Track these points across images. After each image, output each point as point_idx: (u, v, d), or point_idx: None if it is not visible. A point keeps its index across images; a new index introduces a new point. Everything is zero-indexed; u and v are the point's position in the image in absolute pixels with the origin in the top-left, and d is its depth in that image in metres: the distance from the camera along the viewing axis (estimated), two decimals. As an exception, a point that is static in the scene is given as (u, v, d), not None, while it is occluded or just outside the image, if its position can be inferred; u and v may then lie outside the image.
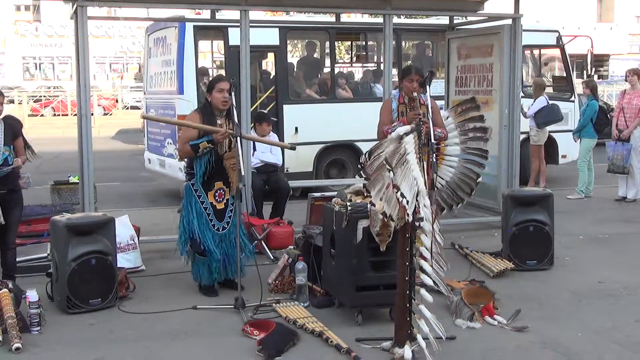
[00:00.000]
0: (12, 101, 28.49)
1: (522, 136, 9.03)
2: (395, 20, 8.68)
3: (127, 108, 31.24)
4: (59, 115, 28.58)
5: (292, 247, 6.67)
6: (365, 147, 5.71)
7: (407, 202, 4.24)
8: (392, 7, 7.96)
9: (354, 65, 13.75)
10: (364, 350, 4.56)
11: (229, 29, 9.74)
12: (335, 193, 6.01)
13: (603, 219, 8.87)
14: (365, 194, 4.72)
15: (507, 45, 8.13)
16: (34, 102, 30.32)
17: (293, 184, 8.55)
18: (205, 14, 9.68)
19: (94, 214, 6.20)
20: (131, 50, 46.43)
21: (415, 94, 5.53)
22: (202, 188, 5.67)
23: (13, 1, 47.55)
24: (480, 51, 8.68)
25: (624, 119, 9.88)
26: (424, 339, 4.37)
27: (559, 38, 12.11)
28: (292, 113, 10.36)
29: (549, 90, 11.85)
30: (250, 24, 7.29)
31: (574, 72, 13.94)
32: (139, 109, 24.28)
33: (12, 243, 5.80)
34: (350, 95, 11.23)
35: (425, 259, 4.40)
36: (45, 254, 6.40)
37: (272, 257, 6.86)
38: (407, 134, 4.40)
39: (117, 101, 31.87)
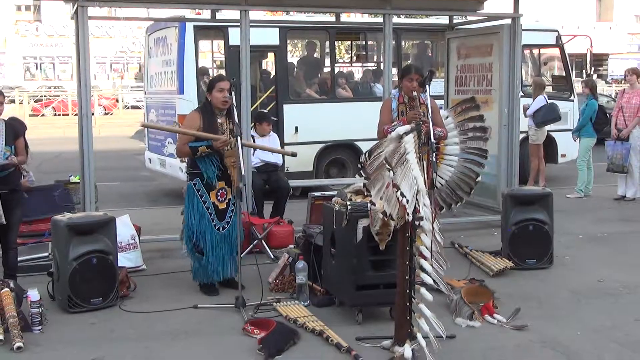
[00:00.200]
0: (12, 101, 28.48)
1: (522, 135, 9.03)
2: (395, 20, 8.68)
3: (128, 108, 31.26)
4: (59, 115, 28.57)
5: (292, 246, 6.67)
6: (365, 147, 5.72)
7: (407, 201, 4.24)
8: (391, 6, 7.96)
9: (353, 64, 13.75)
10: (364, 349, 4.56)
11: (229, 28, 9.74)
12: (336, 192, 6.01)
13: (602, 218, 8.88)
14: (365, 193, 4.72)
15: (507, 44, 8.13)
16: (34, 102, 30.34)
17: (293, 183, 8.55)
18: (206, 14, 9.68)
19: (95, 213, 6.21)
20: (132, 50, 46.45)
21: (415, 93, 5.53)
22: (204, 188, 5.67)
23: (14, 1, 47.55)
24: (480, 51, 8.68)
25: (623, 118, 9.89)
26: (424, 337, 4.37)
27: (558, 37, 12.11)
28: (292, 112, 10.36)
29: (549, 89, 11.85)
30: (251, 24, 7.30)
31: (574, 72, 13.94)
32: (140, 108, 24.28)
33: (13, 242, 5.81)
34: (350, 94, 11.23)
35: (425, 257, 4.41)
36: (47, 254, 6.41)
37: (272, 256, 6.86)
38: (406, 133, 4.40)
39: (117, 101, 31.89)
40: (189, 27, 9.83)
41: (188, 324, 5.13)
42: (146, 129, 11.45)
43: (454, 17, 9.47)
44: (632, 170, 9.87)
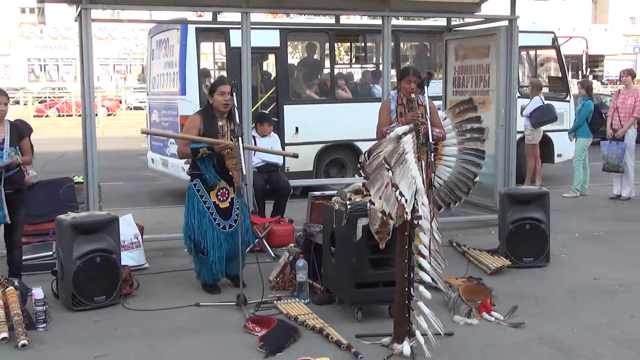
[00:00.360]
0: (17, 102, 28.48)
1: (518, 136, 9.04)
2: (394, 22, 8.69)
3: (131, 109, 31.23)
4: (63, 115, 28.57)
5: (292, 245, 6.66)
6: (364, 147, 5.71)
7: (406, 200, 4.24)
8: (390, 9, 7.96)
9: (353, 66, 13.74)
10: (364, 346, 4.55)
11: (231, 31, 9.75)
12: (335, 192, 6.01)
13: (598, 217, 8.88)
14: (365, 193, 4.72)
15: (504, 46, 8.13)
16: (39, 103, 30.34)
17: (293, 183, 8.55)
18: (207, 16, 9.69)
19: (99, 213, 6.20)
20: (134, 52, 46.44)
21: (413, 95, 5.53)
22: (204, 188, 5.67)
23: (18, 4, 47.51)
24: (478, 52, 8.68)
25: (618, 118, 9.89)
26: (422, 335, 4.38)
27: (554, 39, 12.11)
28: (292, 113, 10.36)
29: (545, 90, 11.85)
30: (251, 26, 7.30)
31: (569, 73, 13.95)
32: (142, 109, 24.26)
33: (18, 242, 5.81)
34: (350, 95, 11.23)
35: (423, 256, 4.41)
36: (51, 252, 6.41)
37: (273, 255, 6.86)
38: (405, 134, 4.41)
39: (120, 102, 31.84)
40: (191, 29, 9.83)
41: (190, 322, 5.13)
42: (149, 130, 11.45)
43: (452, 19, 9.48)
44: (627, 169, 9.87)
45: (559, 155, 11.89)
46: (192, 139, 5.59)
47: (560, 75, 12.56)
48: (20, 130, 5.73)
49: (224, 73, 11.36)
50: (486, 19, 8.97)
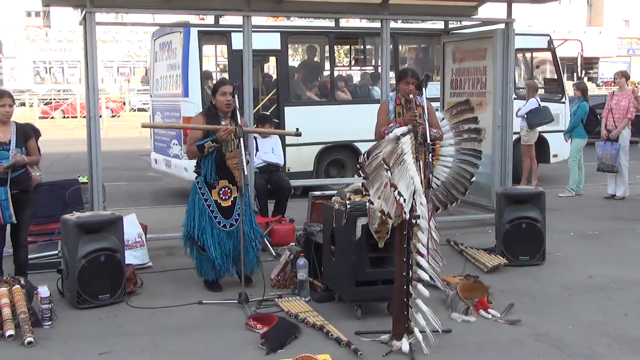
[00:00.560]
0: (23, 104, 28.51)
1: (514, 136, 9.04)
2: (392, 24, 8.68)
3: (134, 110, 31.25)
4: (68, 117, 28.56)
5: (293, 244, 6.66)
6: (363, 148, 5.70)
7: (404, 200, 4.24)
8: (389, 12, 7.96)
9: (352, 68, 13.72)
10: (363, 343, 4.56)
11: (232, 33, 9.75)
12: (335, 192, 6.01)
13: (593, 216, 8.87)
14: (364, 193, 4.72)
15: (500, 48, 8.13)
16: (44, 104, 30.37)
17: (294, 183, 8.54)
18: (209, 19, 9.68)
19: (103, 212, 6.21)
20: (138, 54, 46.44)
21: (411, 95, 5.53)
22: (206, 186, 5.67)
23: (24, 7, 47.55)
24: (475, 54, 8.68)
25: (612, 119, 9.89)
26: (420, 332, 4.38)
27: (550, 42, 12.10)
28: (293, 115, 10.35)
29: (541, 92, 11.85)
30: (253, 29, 7.30)
31: (565, 75, 13.94)
32: (146, 111, 24.29)
33: (24, 241, 5.80)
34: (349, 97, 11.22)
35: (421, 255, 4.41)
36: (56, 251, 6.41)
37: (274, 254, 6.86)
38: (404, 134, 4.41)
39: (124, 104, 31.88)
40: (194, 32, 9.83)
41: (193, 319, 5.13)
42: (150, 130, 11.47)
43: (450, 22, 9.47)
44: (622, 169, 9.87)
45: (555, 156, 11.89)
46: (193, 127, 5.57)
47: (555, 77, 12.55)
48: (26, 131, 5.72)
49: (226, 75, 11.35)
50: (483, 22, 8.96)
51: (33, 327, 4.68)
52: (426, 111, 5.16)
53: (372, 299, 5.14)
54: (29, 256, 6.00)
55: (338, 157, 10.85)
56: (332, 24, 10.73)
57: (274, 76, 11.54)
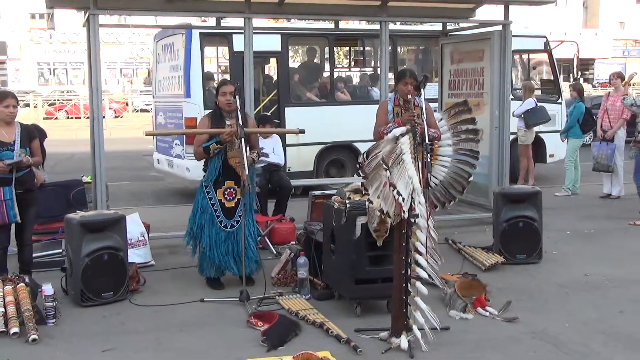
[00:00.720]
0: (27, 105, 28.48)
1: (511, 137, 9.03)
2: (391, 26, 8.68)
3: (137, 111, 31.24)
4: (72, 118, 28.55)
5: (294, 242, 6.67)
6: (363, 148, 5.72)
7: (403, 199, 4.24)
8: (388, 14, 7.96)
9: (352, 69, 13.74)
10: (363, 340, 4.56)
11: (234, 35, 9.75)
12: (335, 191, 6.01)
13: (589, 215, 8.87)
14: (363, 192, 4.72)
15: (497, 50, 8.12)
16: (48, 105, 30.35)
17: (295, 182, 8.54)
18: (211, 21, 9.68)
19: (106, 211, 6.21)
20: (140, 56, 46.41)
21: (409, 96, 5.53)
22: (212, 186, 5.68)
23: (28, 9, 47.52)
24: (472, 56, 8.67)
25: (608, 120, 9.87)
26: (419, 329, 4.38)
27: (546, 43, 12.11)
28: (293, 115, 10.35)
29: (537, 92, 11.85)
30: (254, 31, 7.30)
31: (561, 76, 13.94)
32: (148, 111, 24.27)
33: (28, 240, 5.80)
34: (349, 98, 11.22)
35: (420, 253, 4.41)
36: (60, 250, 6.41)
37: (275, 252, 6.86)
38: (402, 135, 4.41)
39: (127, 104, 31.85)
40: (195, 34, 9.82)
41: (195, 317, 5.13)
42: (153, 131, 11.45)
43: (448, 24, 9.48)
44: (617, 169, 9.86)
45: (551, 156, 11.89)
46: (193, 132, 5.60)
47: (552, 78, 12.55)
48: (30, 132, 5.72)
49: (227, 76, 11.35)
50: (480, 23, 8.96)
51: (37, 325, 4.69)
52: (424, 111, 5.16)
53: (372, 296, 5.14)
54: (33, 255, 6.01)
55: (338, 157, 10.85)
56: (332, 26, 10.73)
57: (275, 77, 11.54)
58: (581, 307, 5.31)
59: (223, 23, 9.32)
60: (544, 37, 12.28)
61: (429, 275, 4.40)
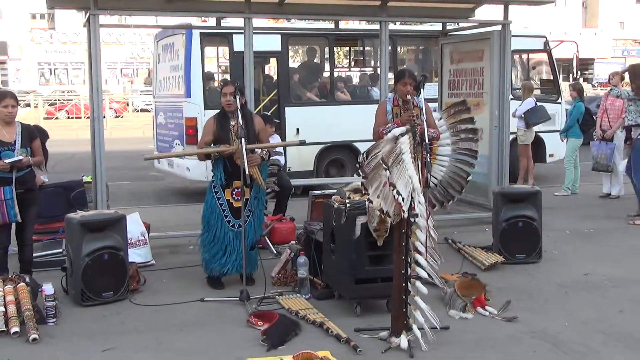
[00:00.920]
0: (28, 105, 28.49)
1: (511, 136, 9.03)
2: (391, 26, 8.67)
3: (137, 111, 31.25)
4: (72, 117, 28.56)
5: (294, 242, 6.67)
6: (363, 147, 5.71)
7: (403, 199, 4.24)
8: (387, 14, 7.96)
9: (352, 69, 13.73)
10: (363, 339, 4.56)
11: (234, 35, 9.75)
12: (335, 191, 6.01)
13: (588, 215, 8.87)
14: (363, 192, 4.72)
15: (497, 50, 8.12)
16: (49, 105, 30.35)
17: (295, 182, 8.54)
18: (211, 21, 9.67)
19: (107, 211, 6.21)
20: (141, 56, 46.40)
21: (409, 96, 5.53)
22: (220, 186, 5.72)
23: (29, 10, 47.51)
24: (472, 56, 8.67)
25: (607, 119, 9.87)
26: (419, 328, 4.38)
27: (546, 43, 12.10)
28: (293, 115, 10.35)
29: (537, 92, 11.85)
30: (254, 31, 7.29)
31: (561, 76, 13.94)
32: (149, 111, 24.27)
33: (28, 239, 5.80)
34: (349, 98, 11.22)
35: (420, 253, 4.41)
36: (61, 250, 6.40)
37: (275, 252, 6.85)
38: (402, 135, 4.41)
39: (127, 104, 31.86)
40: (196, 34, 9.82)
41: (195, 316, 5.13)
42: (153, 131, 11.46)
43: (447, 24, 9.47)
44: (616, 169, 9.85)
45: (551, 155, 11.88)
46: (192, 153, 5.65)
47: (551, 78, 12.55)
48: (31, 132, 5.71)
49: (228, 76, 11.35)
50: (480, 23, 8.95)
51: (38, 324, 4.68)
52: (424, 111, 5.16)
53: (372, 296, 5.14)
54: (34, 254, 6.00)
55: (338, 156, 10.84)
56: (331, 26, 10.73)
57: (275, 77, 11.54)
58: (581, 307, 5.31)
59: (223, 23, 9.31)
60: (544, 37, 12.28)
61: (428, 275, 4.40)
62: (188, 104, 9.82)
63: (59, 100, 31.67)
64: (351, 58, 14.03)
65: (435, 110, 7.13)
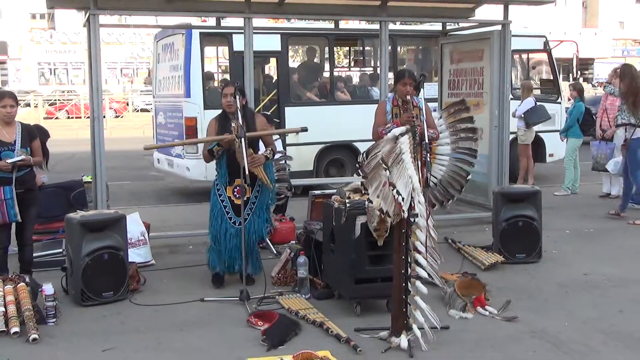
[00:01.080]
0: (28, 104, 28.49)
1: (511, 136, 9.03)
2: (391, 26, 8.67)
3: (137, 111, 31.25)
4: (72, 117, 28.56)
5: (294, 242, 6.67)
6: (362, 147, 5.71)
7: (403, 199, 4.24)
8: (387, 14, 7.96)
9: (351, 69, 13.73)
10: (363, 339, 4.55)
11: (234, 35, 9.75)
12: (335, 191, 6.01)
13: (588, 215, 8.86)
14: (363, 192, 4.72)
15: (497, 50, 8.12)
16: (49, 105, 30.37)
17: (294, 182, 8.52)
18: (211, 21, 9.67)
19: (106, 211, 6.21)
20: (141, 55, 46.40)
21: (408, 96, 5.53)
22: (221, 183, 5.75)
23: (29, 10, 47.51)
24: (472, 56, 8.67)
25: (607, 119, 9.86)
26: (419, 328, 4.38)
27: (546, 43, 12.10)
28: (293, 115, 10.35)
29: (537, 92, 11.85)
30: (254, 31, 7.29)
31: (560, 75, 13.94)
32: (149, 111, 24.27)
33: (28, 239, 5.80)
34: (349, 97, 11.21)
35: (420, 252, 4.41)
36: (61, 250, 6.40)
37: (275, 252, 6.85)
38: (402, 134, 4.40)
39: (127, 104, 31.87)
40: (195, 34, 9.82)
41: (195, 316, 5.13)
42: (153, 130, 11.46)
43: (447, 23, 9.47)
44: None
45: (551, 155, 11.89)
46: (192, 142, 5.63)
47: (551, 77, 12.55)
48: (31, 132, 5.71)
49: (227, 76, 11.35)
50: (480, 23, 8.95)
51: (38, 324, 4.68)
52: (423, 112, 5.15)
53: (372, 296, 5.14)
54: (34, 254, 6.00)
55: (337, 156, 10.84)
56: (331, 25, 10.73)
57: (275, 77, 11.53)
58: (581, 306, 5.31)
59: (223, 23, 9.31)
60: (544, 36, 12.28)
61: (428, 275, 4.40)
62: (188, 103, 9.82)
63: (59, 100, 31.69)
64: (351, 58, 14.03)
65: (434, 110, 7.13)
